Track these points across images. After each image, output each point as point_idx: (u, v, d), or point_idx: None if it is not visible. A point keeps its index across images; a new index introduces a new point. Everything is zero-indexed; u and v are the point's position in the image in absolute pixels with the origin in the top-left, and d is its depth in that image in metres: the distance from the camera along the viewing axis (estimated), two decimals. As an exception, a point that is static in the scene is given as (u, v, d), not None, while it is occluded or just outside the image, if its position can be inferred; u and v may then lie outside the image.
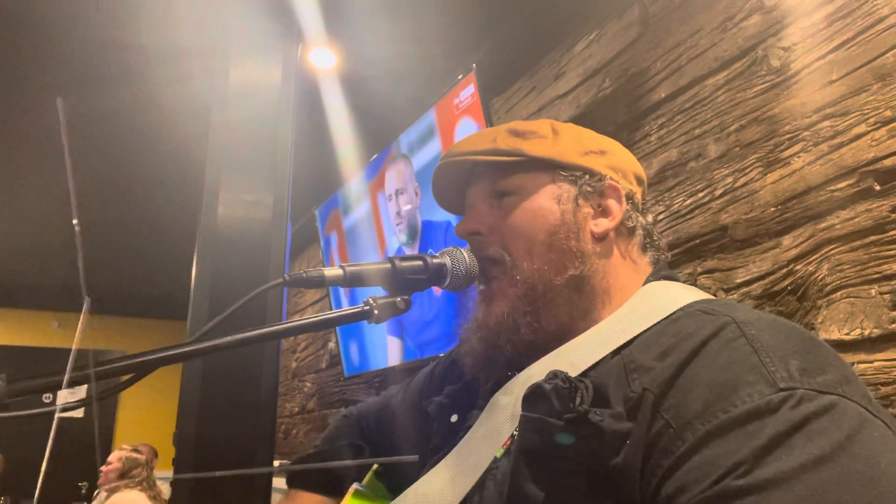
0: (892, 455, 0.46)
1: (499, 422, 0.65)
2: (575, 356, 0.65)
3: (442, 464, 0.68)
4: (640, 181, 0.79)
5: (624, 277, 0.73)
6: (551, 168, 0.74)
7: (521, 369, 0.70)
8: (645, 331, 0.63)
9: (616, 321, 0.67)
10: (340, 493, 0.87)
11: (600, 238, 0.73)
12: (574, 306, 0.70)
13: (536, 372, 0.66)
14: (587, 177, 0.74)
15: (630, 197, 0.76)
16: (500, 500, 0.59)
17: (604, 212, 0.74)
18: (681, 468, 0.49)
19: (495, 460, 0.62)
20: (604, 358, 0.63)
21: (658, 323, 0.63)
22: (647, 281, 0.73)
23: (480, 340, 0.73)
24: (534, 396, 0.58)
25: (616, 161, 0.77)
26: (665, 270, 0.76)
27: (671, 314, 0.64)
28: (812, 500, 0.43)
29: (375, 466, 0.87)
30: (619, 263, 0.73)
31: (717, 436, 0.49)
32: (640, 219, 0.77)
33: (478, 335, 0.73)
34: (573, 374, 0.61)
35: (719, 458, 0.47)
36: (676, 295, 0.67)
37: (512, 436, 0.62)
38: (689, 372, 0.55)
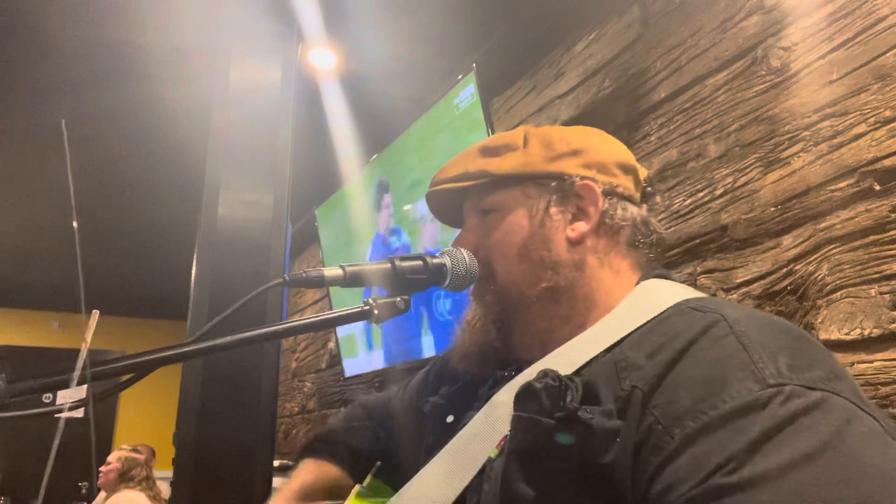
0: (880, 451, 0.46)
1: (495, 419, 0.65)
2: (572, 355, 0.65)
3: (436, 460, 0.68)
4: (626, 170, 0.76)
5: (608, 279, 0.72)
6: (520, 181, 0.75)
7: (520, 368, 0.70)
8: (637, 329, 0.63)
9: (610, 320, 0.67)
10: (356, 470, 0.88)
11: (577, 242, 0.72)
12: (552, 314, 0.71)
13: (535, 371, 0.66)
14: (555, 183, 0.73)
15: (611, 192, 0.74)
16: (496, 501, 0.58)
17: (583, 214, 0.73)
18: (670, 465, 0.50)
19: (490, 460, 0.62)
20: (597, 356, 0.63)
21: (649, 321, 0.63)
22: (641, 280, 0.72)
23: (464, 335, 0.77)
24: (524, 395, 0.59)
25: (592, 157, 0.74)
26: (659, 269, 0.75)
27: (662, 312, 0.64)
28: (798, 498, 0.43)
29: (375, 467, 0.88)
30: (598, 266, 0.72)
31: (706, 432, 0.49)
32: (632, 211, 0.74)
33: (462, 332, 0.78)
34: (569, 370, 0.61)
35: (708, 455, 0.48)
36: (668, 293, 0.67)
37: (506, 435, 0.62)
38: (678, 369, 0.55)
